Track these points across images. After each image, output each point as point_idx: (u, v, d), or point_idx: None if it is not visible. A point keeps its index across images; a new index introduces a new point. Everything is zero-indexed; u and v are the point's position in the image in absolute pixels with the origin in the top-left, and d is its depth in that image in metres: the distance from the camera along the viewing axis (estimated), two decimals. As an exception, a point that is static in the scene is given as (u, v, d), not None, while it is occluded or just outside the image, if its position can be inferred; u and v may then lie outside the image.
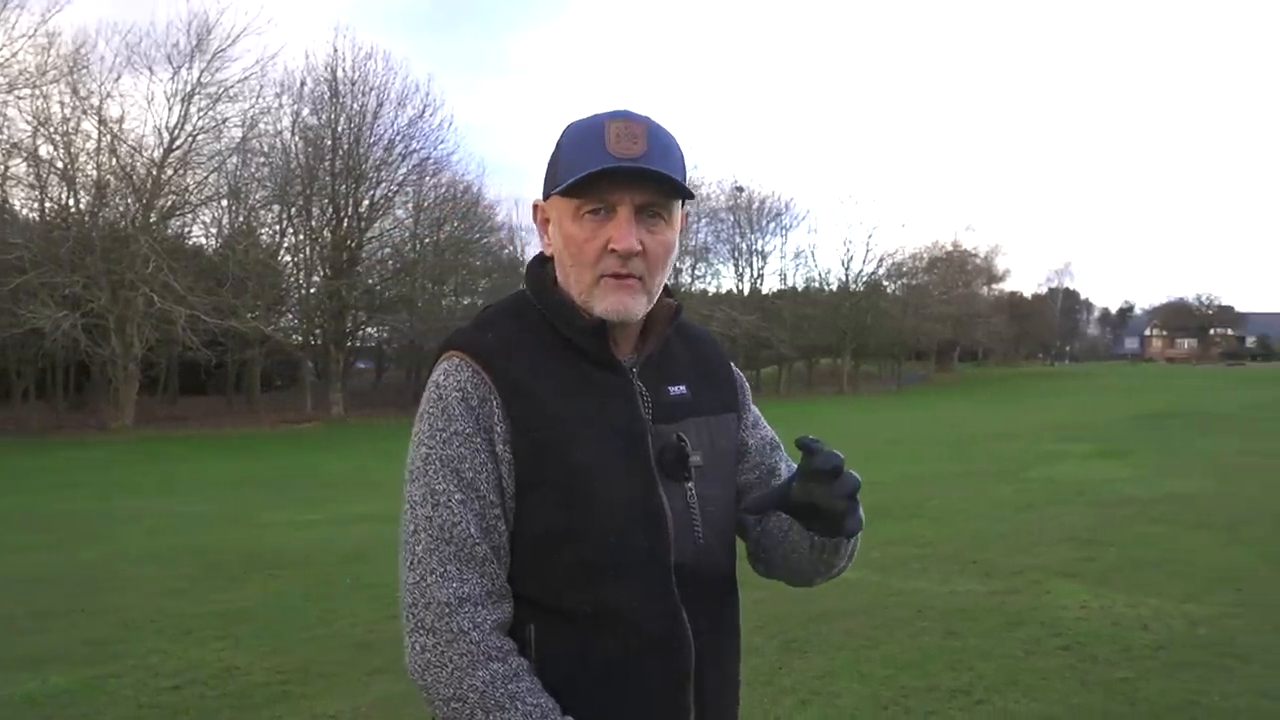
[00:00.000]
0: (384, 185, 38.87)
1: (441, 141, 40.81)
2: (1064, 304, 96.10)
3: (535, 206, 1.54)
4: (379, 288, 40.49)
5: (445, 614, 1.33)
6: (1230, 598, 6.51)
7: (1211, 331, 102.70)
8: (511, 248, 50.94)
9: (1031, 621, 6.02)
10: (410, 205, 40.77)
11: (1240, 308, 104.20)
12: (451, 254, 41.51)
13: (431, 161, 39.79)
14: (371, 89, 37.54)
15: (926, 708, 4.64)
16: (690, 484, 1.47)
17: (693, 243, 56.34)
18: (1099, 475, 13.45)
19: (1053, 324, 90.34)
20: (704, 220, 56.24)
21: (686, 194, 1.42)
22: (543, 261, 1.54)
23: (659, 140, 1.42)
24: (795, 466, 1.68)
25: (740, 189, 56.33)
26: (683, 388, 1.53)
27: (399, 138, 38.45)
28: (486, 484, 1.38)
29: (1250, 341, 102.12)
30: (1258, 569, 7.35)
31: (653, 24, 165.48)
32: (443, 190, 40.92)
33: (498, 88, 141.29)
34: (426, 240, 41.12)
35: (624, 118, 1.42)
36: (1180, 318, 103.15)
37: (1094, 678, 5.00)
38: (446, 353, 1.46)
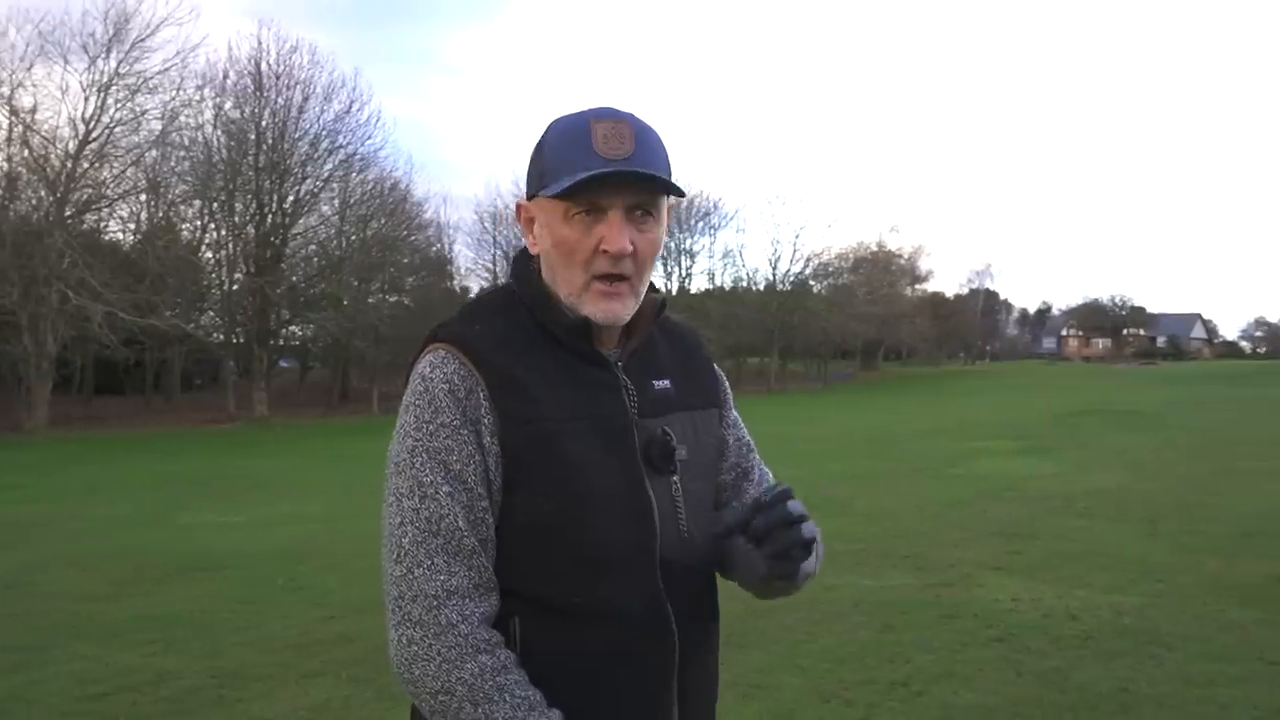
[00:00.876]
0: (309, 181, 38.31)
1: (369, 137, 40.56)
2: (985, 304, 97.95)
3: (519, 206, 1.53)
4: (304, 285, 39.86)
5: (433, 606, 1.31)
6: (1152, 588, 6.72)
7: (1125, 332, 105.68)
8: (440, 245, 50.62)
9: (965, 614, 6.15)
10: (336, 201, 40.16)
11: (1151, 309, 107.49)
12: (378, 251, 40.98)
13: (358, 157, 39.37)
14: (297, 83, 37.00)
15: (868, 700, 4.71)
16: (675, 478, 1.48)
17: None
18: (1022, 471, 13.78)
19: (974, 324, 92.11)
20: (633, 220, 56.34)
21: (677, 192, 1.42)
22: (529, 255, 1.53)
23: (645, 139, 1.42)
24: (766, 471, 1.70)
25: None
26: (667, 382, 1.54)
27: (325, 133, 38.01)
28: (474, 476, 1.36)
29: (1161, 341, 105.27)
30: (1178, 560, 7.59)
31: (584, 24, 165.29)
32: (370, 186, 40.37)
33: (427, 84, 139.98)
34: (353, 237, 40.51)
35: (610, 117, 1.42)
36: (1095, 318, 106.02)
37: (1027, 668, 5.12)
38: (432, 345, 1.45)
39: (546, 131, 1.47)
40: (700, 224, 57.57)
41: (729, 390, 1.68)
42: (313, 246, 40.62)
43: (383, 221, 41.01)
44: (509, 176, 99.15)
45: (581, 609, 1.39)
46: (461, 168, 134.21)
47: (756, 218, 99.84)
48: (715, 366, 1.67)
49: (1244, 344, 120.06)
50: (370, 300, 43.35)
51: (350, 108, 38.40)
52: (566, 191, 1.37)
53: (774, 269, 57.78)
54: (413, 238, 44.26)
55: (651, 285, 1.52)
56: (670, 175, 1.44)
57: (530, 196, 1.49)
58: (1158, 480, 12.41)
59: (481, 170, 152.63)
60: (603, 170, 1.36)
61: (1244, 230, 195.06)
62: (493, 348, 1.42)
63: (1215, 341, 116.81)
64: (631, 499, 1.42)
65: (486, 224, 53.60)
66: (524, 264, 1.54)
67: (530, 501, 1.38)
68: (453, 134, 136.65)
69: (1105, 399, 31.49)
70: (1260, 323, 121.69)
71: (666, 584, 1.43)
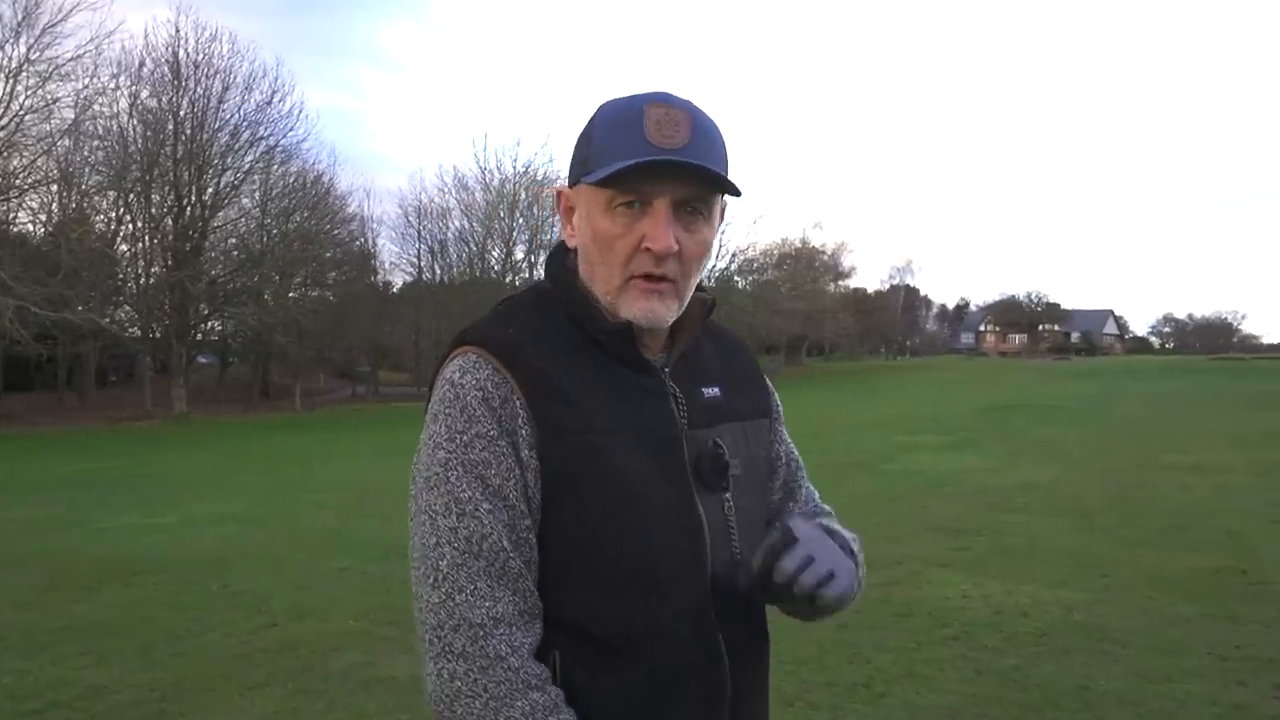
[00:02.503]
0: (230, 173, 37.40)
1: (291, 129, 39.36)
2: (905, 300, 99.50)
3: (559, 193, 1.41)
4: (224, 279, 38.89)
5: (479, 637, 1.19)
6: (1097, 583, 6.80)
7: (1040, 327, 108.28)
8: (363, 240, 49.78)
9: (919, 612, 6.15)
10: (258, 194, 39.32)
11: (1066, 305, 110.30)
12: (300, 245, 40.15)
13: (280, 149, 38.56)
14: (216, 72, 36.09)
15: (831, 702, 4.66)
16: (727, 494, 1.37)
17: (548, 236, 56.16)
18: (955, 466, 13.94)
19: (895, 319, 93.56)
20: (559, 215, 55.99)
21: (733, 189, 1.30)
22: (565, 251, 1.41)
23: (702, 129, 1.30)
24: (813, 491, 1.61)
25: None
26: (716, 389, 1.42)
27: (246, 124, 37.15)
28: (515, 492, 1.25)
29: (1075, 337, 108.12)
30: (1117, 554, 7.70)
31: (513, 17, 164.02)
32: (292, 179, 39.58)
33: (352, 75, 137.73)
34: (274, 231, 39.64)
35: (664, 102, 1.30)
36: (1011, 314, 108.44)
37: (986, 666, 5.13)
38: (461, 347, 1.32)
39: (596, 114, 1.35)
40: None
41: (779, 401, 1.58)
42: (233, 240, 39.71)
43: (305, 215, 40.27)
44: (434, 169, 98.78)
45: (627, 639, 1.27)
46: (386, 161, 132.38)
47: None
48: (763, 374, 1.57)
49: (1153, 339, 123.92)
50: (292, 295, 42.50)
51: (272, 98, 37.61)
52: (610, 179, 1.26)
53: (700, 265, 57.91)
54: (336, 232, 43.52)
55: (700, 284, 1.41)
56: (727, 171, 1.32)
57: (572, 183, 1.37)
58: (1086, 474, 12.64)
59: (406, 163, 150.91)
60: (652, 158, 1.24)
61: (1153, 230, 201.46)
62: (528, 351, 1.30)
63: (1126, 337, 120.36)
64: (681, 518, 1.31)
65: (411, 218, 52.85)
66: (559, 259, 1.42)
67: (572, 521, 1.27)
68: (378, 126, 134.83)
69: (1026, 393, 32.12)
70: (1168, 319, 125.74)
71: (717, 609, 1.33)
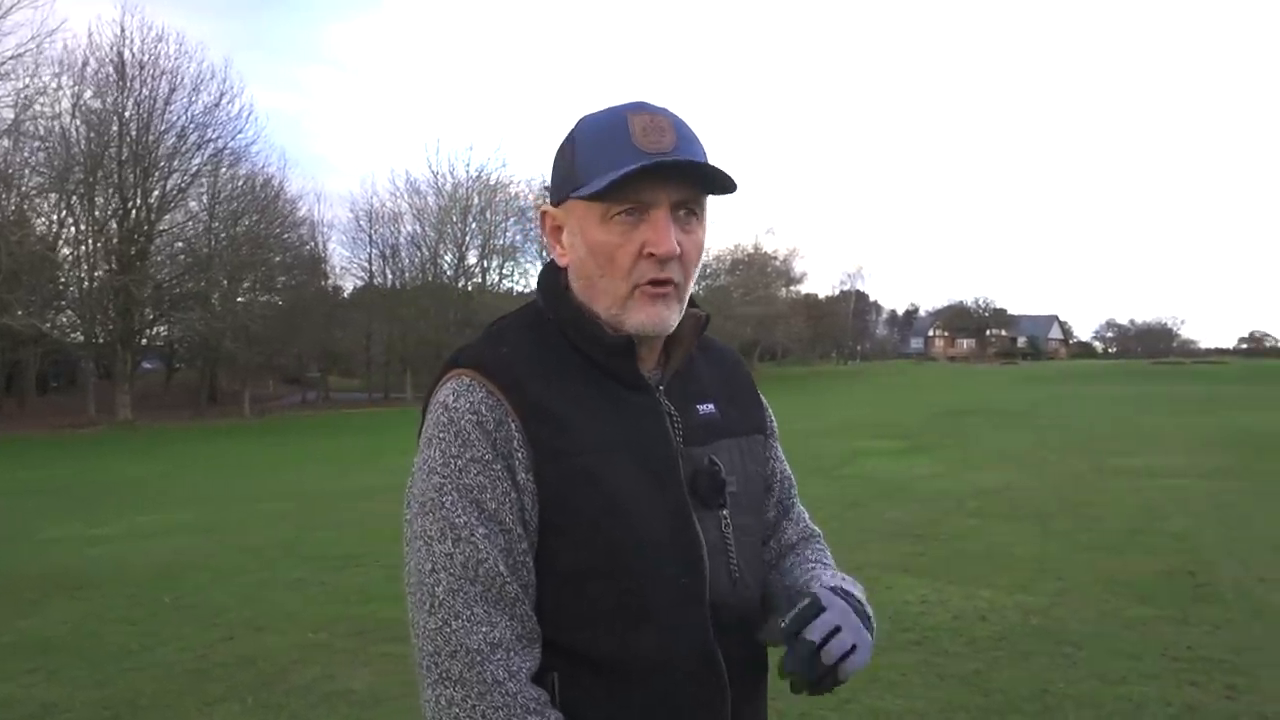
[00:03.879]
0: (177, 175, 36.93)
1: (240, 131, 39.02)
2: (856, 305, 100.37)
3: (543, 214, 1.39)
4: (171, 283, 38.28)
5: (476, 662, 1.17)
6: (1053, 586, 6.88)
7: (988, 332, 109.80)
8: (313, 244, 49.28)
9: (880, 618, 6.06)
10: (205, 197, 38.86)
11: (1012, 311, 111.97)
12: (249, 249, 39.68)
13: (229, 152, 38.21)
14: (163, 73, 35.62)
15: (798, 710, 4.66)
16: (725, 512, 1.35)
17: (500, 241, 56.02)
18: (910, 471, 14.05)
19: (846, 324, 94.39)
20: (512, 219, 55.93)
21: (730, 186, 1.29)
22: (556, 270, 1.39)
23: (685, 132, 1.30)
24: (803, 511, 1.59)
25: (549, 188, 56.26)
26: (711, 406, 1.41)
27: (193, 125, 36.72)
28: (511, 516, 1.23)
29: (1021, 342, 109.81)
30: (1072, 558, 7.80)
31: (466, 20, 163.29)
32: (241, 182, 39.17)
33: (303, 76, 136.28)
34: (222, 235, 39.14)
35: (645, 110, 1.29)
36: (960, 319, 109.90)
37: (948, 671, 5.16)
38: (454, 370, 1.30)
39: (575, 129, 1.33)
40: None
41: (774, 417, 1.57)
42: (180, 244, 39.15)
43: (254, 219, 39.83)
44: (386, 173, 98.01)
45: (626, 661, 1.26)
46: (337, 164, 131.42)
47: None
48: (758, 389, 1.56)
49: (1096, 344, 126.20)
50: (240, 299, 41.98)
51: (220, 100, 37.25)
52: (608, 189, 1.24)
53: (654, 270, 58.07)
54: (286, 235, 43.14)
55: (693, 301, 1.40)
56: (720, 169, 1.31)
57: (557, 201, 1.35)
58: (1040, 478, 12.81)
59: (357, 167, 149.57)
60: (650, 161, 1.23)
61: (1097, 236, 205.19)
62: (522, 373, 1.28)
63: (1071, 341, 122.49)
64: (679, 538, 1.30)
65: (362, 222, 52.45)
66: (551, 278, 1.39)
67: (570, 543, 1.25)
68: (329, 129, 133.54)
69: (977, 398, 32.55)
70: (1111, 324, 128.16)
71: (717, 631, 1.31)
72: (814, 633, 1.25)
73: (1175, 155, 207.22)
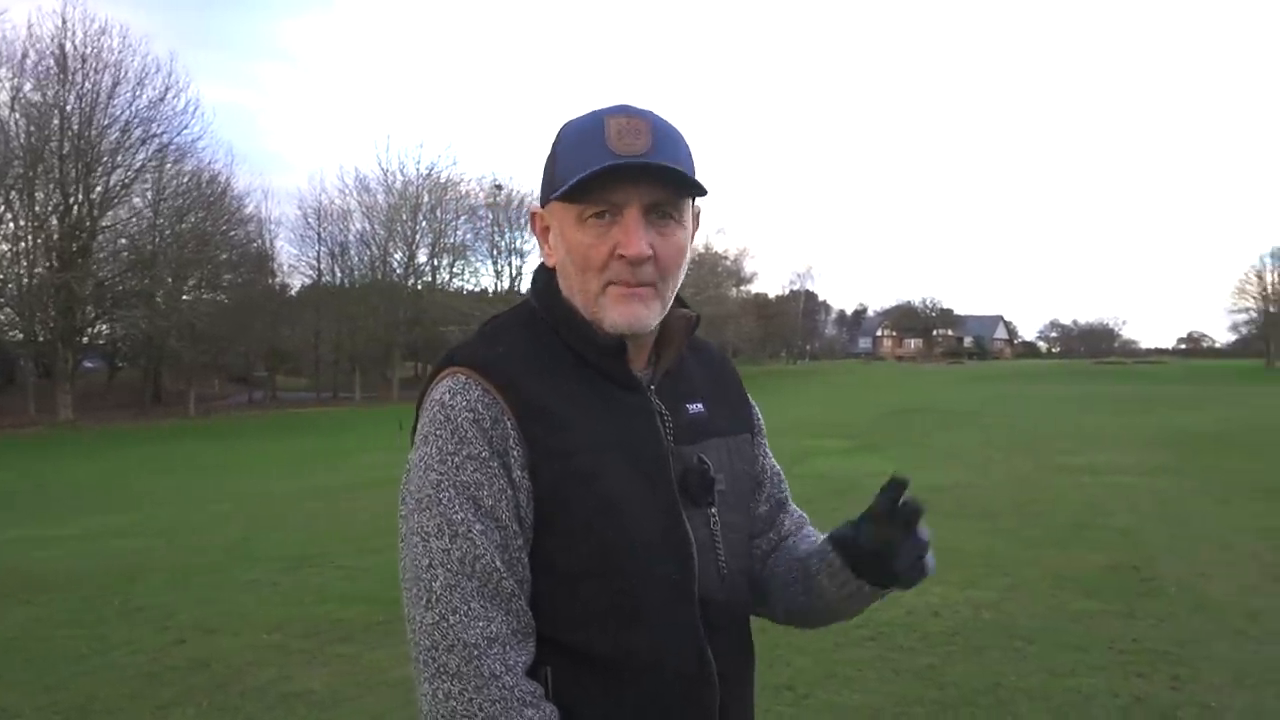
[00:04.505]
0: (120, 171, 36.38)
1: (185, 126, 38.33)
2: (805, 305, 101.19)
3: (533, 215, 1.42)
4: (114, 281, 37.60)
5: (473, 656, 1.19)
6: (1003, 582, 7.02)
7: (935, 332, 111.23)
8: (260, 241, 48.66)
9: (835, 613, 6.24)
10: (150, 194, 38.19)
11: (959, 311, 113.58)
12: (195, 247, 39.08)
13: (174, 147, 37.65)
14: (106, 66, 35.03)
15: (758, 705, 4.71)
16: (713, 510, 1.38)
17: (451, 240, 55.73)
18: (861, 469, 14.18)
19: (796, 324, 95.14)
20: (462, 218, 55.70)
21: (699, 189, 1.32)
22: (548, 271, 1.41)
23: (664, 134, 1.31)
24: (796, 509, 1.62)
25: (499, 187, 56.13)
26: (700, 405, 1.44)
27: (137, 120, 36.16)
28: (507, 513, 1.24)
29: (967, 341, 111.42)
30: (1021, 554, 7.96)
31: (418, 17, 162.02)
32: (186, 179, 38.53)
33: (251, 72, 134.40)
34: (167, 232, 38.51)
35: (624, 113, 1.31)
36: (908, 319, 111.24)
37: (903, 666, 5.24)
38: (449, 369, 1.31)
39: (559, 134, 1.36)
40: (529, 223, 57.37)
41: (760, 416, 1.60)
42: (123, 240, 38.47)
43: (200, 215, 39.23)
44: (334, 170, 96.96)
45: (620, 659, 1.28)
46: (286, 160, 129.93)
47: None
48: (745, 390, 1.59)
49: (1041, 344, 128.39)
50: (185, 297, 41.34)
51: (165, 94, 36.72)
52: (577, 189, 1.27)
53: (605, 269, 58.12)
54: (233, 233, 42.55)
55: (683, 302, 1.43)
56: (693, 173, 1.33)
57: (544, 203, 1.38)
58: (988, 476, 13.03)
59: (306, 164, 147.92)
60: (612, 163, 1.25)
61: (1042, 238, 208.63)
62: (518, 372, 1.30)
63: (1015, 341, 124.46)
64: (670, 536, 1.32)
65: (311, 219, 51.94)
66: (544, 279, 1.42)
67: (565, 541, 1.27)
68: (277, 125, 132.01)
69: (924, 397, 32.98)
70: (1054, 324, 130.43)
71: (706, 628, 1.34)
72: (922, 532, 1.30)
73: (1120, 160, 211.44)
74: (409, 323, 51.20)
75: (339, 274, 54.00)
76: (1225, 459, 14.62)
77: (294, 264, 53.41)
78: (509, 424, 1.26)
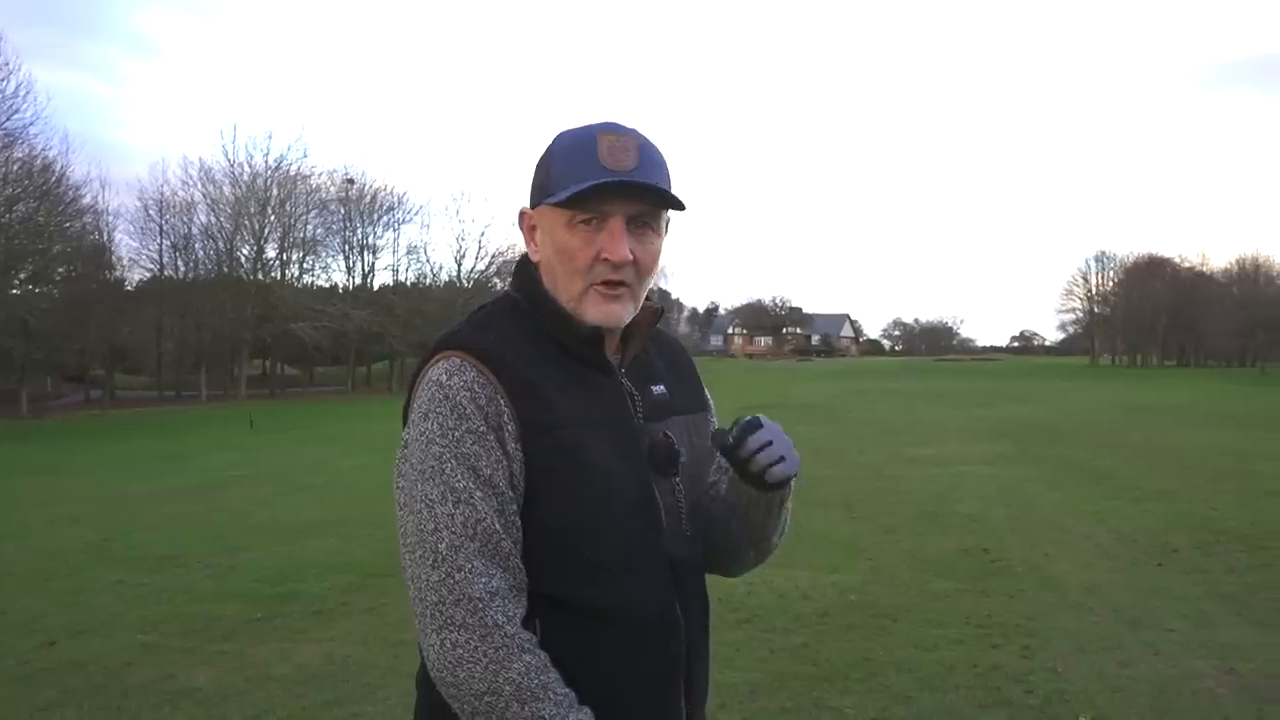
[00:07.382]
0: (-59, 156, 33.94)
1: (16, 110, 36.12)
2: (658, 303, 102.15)
3: (521, 213, 1.57)
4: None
5: (478, 609, 1.34)
6: (865, 566, 7.43)
7: (784, 330, 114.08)
8: (98, 234, 46.31)
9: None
10: (-25, 182, 35.82)
11: (807, 309, 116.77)
12: (25, 239, 36.95)
13: (3, 132, 35.29)
14: (-75, 45, 32.64)
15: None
16: (678, 479, 1.56)
17: (301, 234, 54.25)
18: (723, 463, 14.59)
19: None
20: (313, 212, 54.34)
21: (678, 205, 1.50)
22: (530, 264, 1.57)
23: (649, 154, 1.50)
24: None
25: (351, 181, 55.04)
26: (663, 387, 1.62)
27: (-39, 103, 33.78)
28: (503, 480, 1.40)
29: (816, 339, 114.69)
30: (879, 540, 8.41)
31: (270, 11, 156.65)
32: (16, 166, 36.31)
33: (93, 56, 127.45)
34: (-5, 222, 36.28)
35: (614, 130, 1.49)
36: (758, 317, 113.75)
37: (778, 645, 5.54)
38: (444, 352, 1.46)
39: (553, 142, 1.52)
40: (384, 218, 56.36)
41: (710, 397, 1.79)
42: (-56, 231, 36.02)
43: (32, 205, 37.06)
44: (178, 160, 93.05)
45: (600, 610, 1.45)
46: (125, 149, 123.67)
47: (442, 214, 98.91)
48: (699, 373, 1.77)
49: (885, 341, 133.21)
50: (15, 292, 38.99)
51: (-8, 76, 34.43)
52: (570, 200, 1.43)
53: (459, 266, 57.61)
54: (67, 225, 40.30)
55: (648, 295, 1.60)
56: (671, 188, 1.51)
57: (534, 205, 1.53)
58: (844, 468, 13.61)
59: (147, 152, 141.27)
60: (606, 180, 1.42)
61: (885, 239, 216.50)
62: (509, 355, 1.45)
63: (861, 339, 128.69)
64: (644, 502, 1.50)
65: (152, 211, 49.82)
66: (526, 272, 1.57)
67: (554, 507, 1.43)
68: (116, 111, 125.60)
69: (776, 393, 33.96)
70: (897, 323, 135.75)
71: (675, 583, 1.52)
72: (754, 441, 1.49)
73: (958, 166, 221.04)
74: (257, 319, 49.66)
75: (182, 268, 51.97)
76: (1058, 449, 15.67)
77: (134, 258, 51.03)
78: (502, 402, 1.41)
